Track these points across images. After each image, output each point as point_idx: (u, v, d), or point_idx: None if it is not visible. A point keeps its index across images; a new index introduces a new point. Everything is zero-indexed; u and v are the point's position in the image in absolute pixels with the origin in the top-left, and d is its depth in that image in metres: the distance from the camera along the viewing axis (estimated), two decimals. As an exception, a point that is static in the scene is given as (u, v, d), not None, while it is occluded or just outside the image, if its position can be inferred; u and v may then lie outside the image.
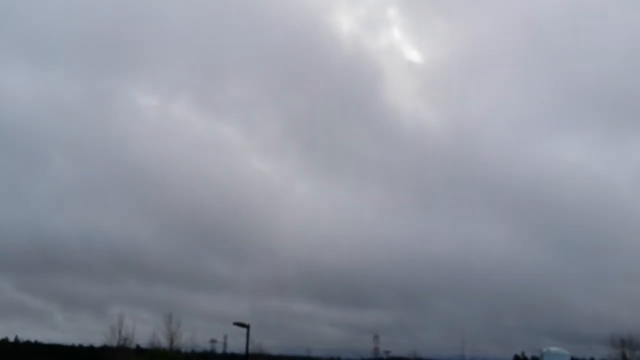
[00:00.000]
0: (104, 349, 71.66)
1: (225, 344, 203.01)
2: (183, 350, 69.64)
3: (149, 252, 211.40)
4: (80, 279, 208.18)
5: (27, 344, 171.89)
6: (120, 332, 67.68)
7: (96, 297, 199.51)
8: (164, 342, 66.17)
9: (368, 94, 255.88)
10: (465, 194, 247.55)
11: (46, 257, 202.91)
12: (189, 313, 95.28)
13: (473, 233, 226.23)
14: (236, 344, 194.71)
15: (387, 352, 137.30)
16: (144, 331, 74.63)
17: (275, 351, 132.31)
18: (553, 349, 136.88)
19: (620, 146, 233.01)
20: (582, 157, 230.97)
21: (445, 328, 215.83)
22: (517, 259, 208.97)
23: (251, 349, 35.60)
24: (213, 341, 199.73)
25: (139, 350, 74.14)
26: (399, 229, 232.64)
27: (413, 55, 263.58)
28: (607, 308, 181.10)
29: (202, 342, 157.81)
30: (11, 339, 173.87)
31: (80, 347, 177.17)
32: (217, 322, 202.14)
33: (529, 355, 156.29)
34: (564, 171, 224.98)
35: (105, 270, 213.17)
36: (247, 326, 26.35)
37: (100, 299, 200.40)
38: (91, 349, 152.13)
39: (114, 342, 67.69)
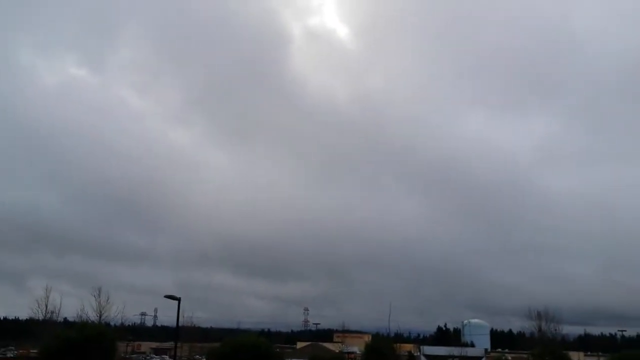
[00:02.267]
0: (30, 322, 70.46)
1: (155, 316, 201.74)
2: (112, 323, 69.42)
3: (60, 224, 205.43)
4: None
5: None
6: (46, 305, 66.82)
7: (11, 269, 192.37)
8: (92, 316, 65.85)
9: (275, 62, 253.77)
10: (374, 166, 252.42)
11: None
12: (110, 285, 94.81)
13: (385, 206, 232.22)
14: (164, 317, 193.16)
15: (316, 324, 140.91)
16: (69, 304, 73.94)
17: (205, 324, 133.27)
18: (474, 320, 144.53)
19: (521, 119, 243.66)
20: (484, 129, 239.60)
21: (369, 300, 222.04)
22: (430, 232, 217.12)
23: (181, 322, 36.32)
24: (143, 314, 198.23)
25: (66, 323, 73.27)
26: (313, 201, 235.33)
27: (321, 24, 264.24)
28: (518, 281, 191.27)
29: (131, 315, 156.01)
30: None
31: (5, 319, 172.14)
32: (140, 294, 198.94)
33: (450, 326, 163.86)
34: (466, 143, 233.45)
35: (16, 241, 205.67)
36: (178, 299, 27.10)
37: (16, 271, 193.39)
38: (17, 322, 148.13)
39: (39, 316, 66.79)
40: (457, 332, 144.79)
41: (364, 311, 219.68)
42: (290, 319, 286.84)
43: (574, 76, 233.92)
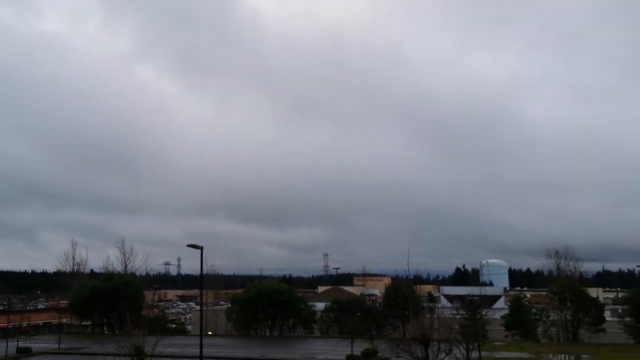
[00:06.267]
0: (58, 274, 72.50)
1: (179, 265, 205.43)
2: (138, 273, 71.21)
3: (47, 177, 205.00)
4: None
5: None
6: (73, 257, 68.62)
7: (16, 223, 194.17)
8: (117, 266, 67.64)
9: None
10: (350, 105, 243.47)
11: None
12: (118, 238, 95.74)
13: (369, 147, 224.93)
14: (186, 267, 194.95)
15: (336, 269, 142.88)
16: (88, 256, 75.34)
17: (227, 271, 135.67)
18: (492, 260, 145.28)
19: (494, 48, 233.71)
20: (457, 57, 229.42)
21: (378, 244, 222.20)
22: (421, 173, 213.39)
23: (204, 270, 37.13)
24: (167, 263, 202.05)
25: (92, 274, 75.29)
26: (298, 142, 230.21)
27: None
28: (524, 219, 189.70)
29: (155, 265, 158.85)
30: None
31: (33, 272, 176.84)
32: (149, 245, 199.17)
33: (469, 267, 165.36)
34: (439, 72, 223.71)
35: (11, 196, 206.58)
36: (200, 247, 27.60)
37: (20, 225, 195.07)
38: (44, 274, 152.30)
39: (67, 268, 68.70)
40: (476, 273, 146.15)
41: (375, 255, 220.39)
42: (310, 265, 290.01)
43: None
